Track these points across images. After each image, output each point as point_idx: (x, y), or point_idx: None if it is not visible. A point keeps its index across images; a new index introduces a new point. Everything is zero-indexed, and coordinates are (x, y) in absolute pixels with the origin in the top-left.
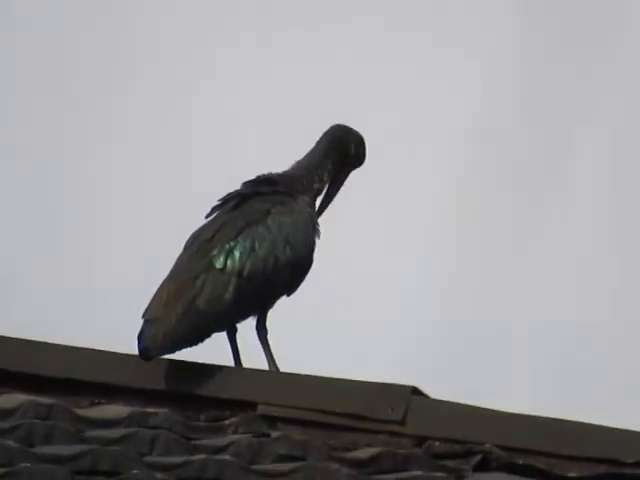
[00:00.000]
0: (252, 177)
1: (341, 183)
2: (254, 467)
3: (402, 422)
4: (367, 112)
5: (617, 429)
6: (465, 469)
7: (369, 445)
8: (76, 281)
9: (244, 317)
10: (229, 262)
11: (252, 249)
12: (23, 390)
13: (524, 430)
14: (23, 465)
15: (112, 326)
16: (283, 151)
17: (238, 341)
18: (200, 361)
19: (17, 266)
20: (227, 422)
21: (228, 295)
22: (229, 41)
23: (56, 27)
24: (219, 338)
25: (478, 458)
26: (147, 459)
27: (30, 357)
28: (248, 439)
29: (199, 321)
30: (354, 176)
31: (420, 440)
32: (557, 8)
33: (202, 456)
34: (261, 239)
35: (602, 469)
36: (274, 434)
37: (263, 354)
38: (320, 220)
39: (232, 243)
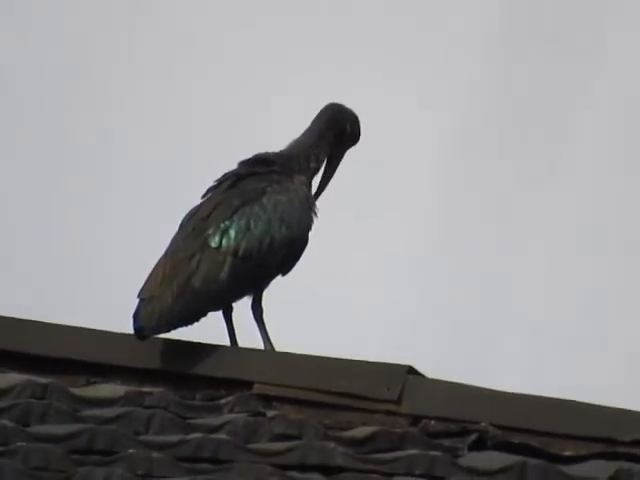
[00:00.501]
0: (248, 156)
1: (338, 162)
2: (250, 446)
3: (398, 401)
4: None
5: (613, 408)
6: (461, 448)
7: (365, 424)
8: (74, 261)
9: (240, 296)
10: (224, 241)
11: (247, 228)
12: (19, 370)
13: (520, 409)
14: (19, 444)
15: (108, 305)
16: (280, 130)
17: (234, 320)
18: (196, 340)
19: (13, 246)
20: (223, 401)
21: (223, 274)
22: (228, 33)
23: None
24: (215, 317)
25: (474, 437)
26: (143, 438)
27: (26, 337)
28: (244, 418)
29: (194, 300)
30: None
31: (416, 419)
32: None
33: (198, 435)
34: (256, 218)
35: (598, 448)
36: (270, 413)
37: (259, 333)
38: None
39: (227, 222)
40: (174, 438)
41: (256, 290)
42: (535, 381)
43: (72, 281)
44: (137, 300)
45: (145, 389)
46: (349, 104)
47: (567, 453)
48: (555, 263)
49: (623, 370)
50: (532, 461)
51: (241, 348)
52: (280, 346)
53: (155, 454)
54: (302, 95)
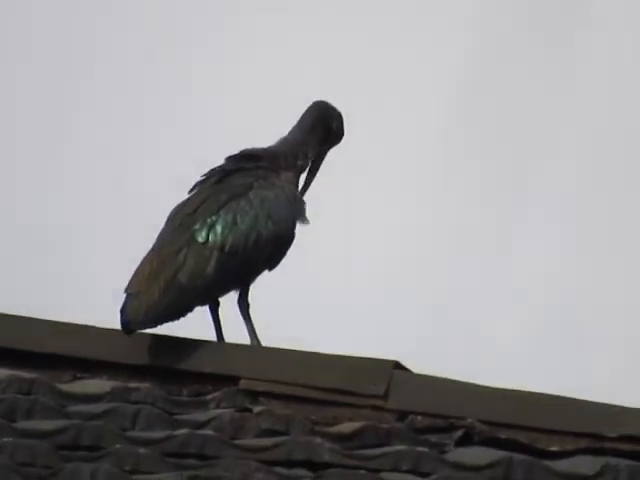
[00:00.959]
0: (235, 152)
1: (322, 160)
2: (236, 442)
3: (384, 397)
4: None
5: (599, 403)
6: (447, 443)
7: (351, 420)
8: (58, 256)
9: (226, 291)
10: (211, 236)
11: (234, 223)
12: (4, 365)
13: (506, 404)
14: (5, 440)
15: (94, 300)
16: (268, 127)
17: (220, 316)
18: (182, 336)
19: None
20: (209, 397)
21: (210, 269)
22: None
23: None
24: (201, 313)
25: (460, 432)
26: (129, 434)
27: (12, 332)
28: (230, 414)
29: (181, 295)
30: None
31: (402, 414)
32: None
33: (184, 431)
34: (243, 213)
35: (584, 443)
36: (256, 409)
37: (245, 328)
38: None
39: (214, 217)
40: (161, 434)
41: (242, 285)
42: (535, 381)
43: (58, 276)
44: (124, 295)
45: (132, 385)
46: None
47: (553, 448)
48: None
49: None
50: (518, 456)
51: (227, 343)
52: (266, 341)
53: (142, 450)
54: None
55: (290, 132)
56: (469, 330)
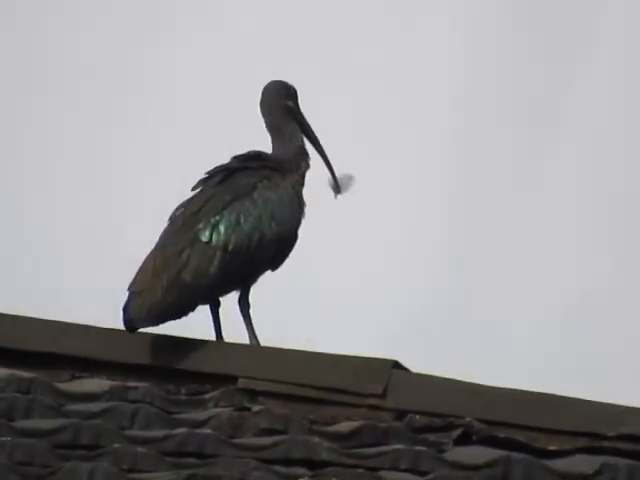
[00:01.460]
0: (242, 152)
1: (309, 127)
2: (235, 441)
3: (383, 396)
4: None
5: (598, 402)
6: (446, 442)
7: (350, 419)
8: (59, 256)
9: (229, 291)
10: (214, 236)
11: (237, 223)
12: (3, 364)
13: (505, 404)
14: (4, 439)
15: (93, 300)
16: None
17: (220, 315)
18: (181, 335)
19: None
20: (208, 396)
21: (213, 269)
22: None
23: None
24: (200, 312)
25: (459, 432)
26: (128, 433)
27: (10, 331)
28: (229, 413)
29: (184, 294)
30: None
31: (401, 414)
32: None
33: (183, 430)
34: (247, 214)
35: (582, 442)
36: (255, 408)
37: (245, 328)
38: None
39: (218, 217)
40: (159, 433)
41: (244, 285)
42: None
43: (57, 276)
44: (127, 293)
45: (130, 384)
46: None
47: (552, 448)
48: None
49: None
50: (517, 456)
51: (226, 343)
52: (265, 341)
53: (140, 449)
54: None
55: (272, 137)
56: (469, 329)
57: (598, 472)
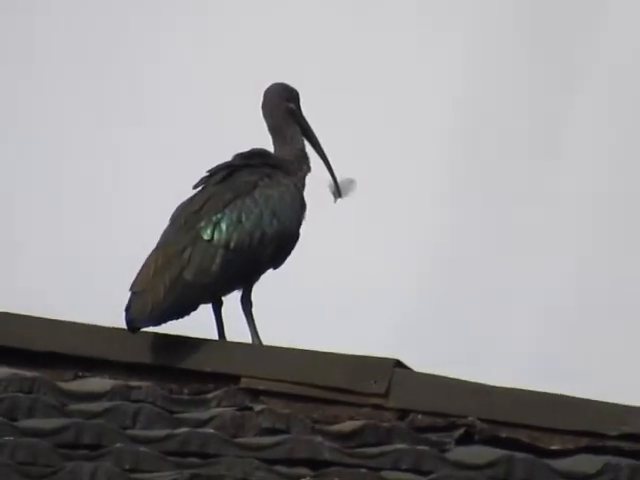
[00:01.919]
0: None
1: (310, 128)
2: (237, 440)
3: (385, 395)
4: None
5: (600, 402)
6: (448, 442)
7: (352, 418)
8: (61, 256)
9: (231, 289)
10: (216, 234)
11: (239, 221)
12: (6, 364)
13: (507, 403)
14: (6, 438)
15: (96, 299)
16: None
17: (223, 315)
18: (183, 334)
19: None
20: (210, 395)
21: (215, 267)
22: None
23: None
24: (202, 312)
25: (461, 431)
26: (130, 432)
27: (13, 330)
28: (231, 412)
29: (186, 293)
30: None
31: (403, 413)
32: None
33: (185, 429)
34: (248, 212)
35: (585, 442)
36: (257, 407)
37: (247, 327)
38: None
39: (219, 215)
40: (161, 432)
41: (246, 284)
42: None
43: (60, 275)
44: (128, 293)
45: (132, 383)
46: None
47: (554, 447)
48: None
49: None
50: (519, 455)
51: (228, 342)
52: (267, 340)
53: (142, 448)
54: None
55: (274, 139)
56: (469, 329)
57: (600, 472)
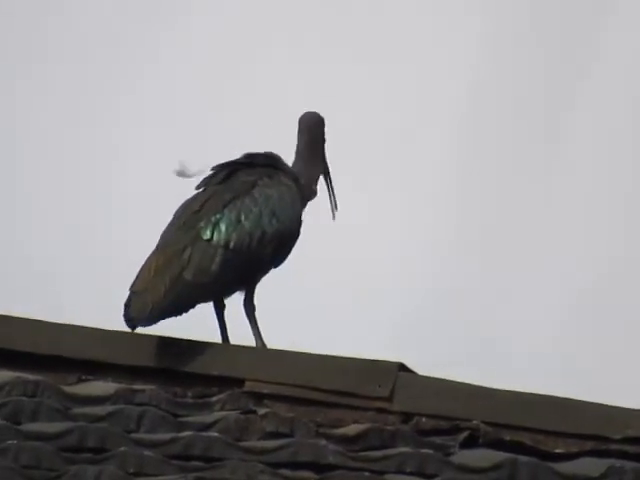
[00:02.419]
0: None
1: (328, 169)
2: (241, 444)
3: (389, 399)
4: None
5: (604, 405)
6: (452, 445)
7: (356, 422)
8: (64, 258)
9: (231, 290)
10: (216, 234)
11: (238, 221)
12: (9, 367)
13: (511, 406)
14: (10, 442)
15: (99, 302)
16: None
17: (226, 318)
18: (187, 337)
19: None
20: (214, 399)
21: (215, 266)
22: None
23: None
24: (206, 314)
25: (465, 434)
26: (134, 436)
27: (16, 334)
28: (235, 416)
29: (186, 293)
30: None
31: (407, 417)
32: None
33: (189, 433)
34: (247, 211)
35: (589, 445)
36: (261, 411)
37: (250, 330)
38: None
39: (218, 215)
40: (165, 436)
41: (248, 285)
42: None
43: (63, 278)
44: (129, 293)
45: (136, 387)
46: None
47: (558, 450)
48: None
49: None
50: (523, 458)
51: (232, 345)
52: (271, 343)
53: (146, 452)
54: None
55: (302, 158)
56: (473, 332)
57: (604, 475)
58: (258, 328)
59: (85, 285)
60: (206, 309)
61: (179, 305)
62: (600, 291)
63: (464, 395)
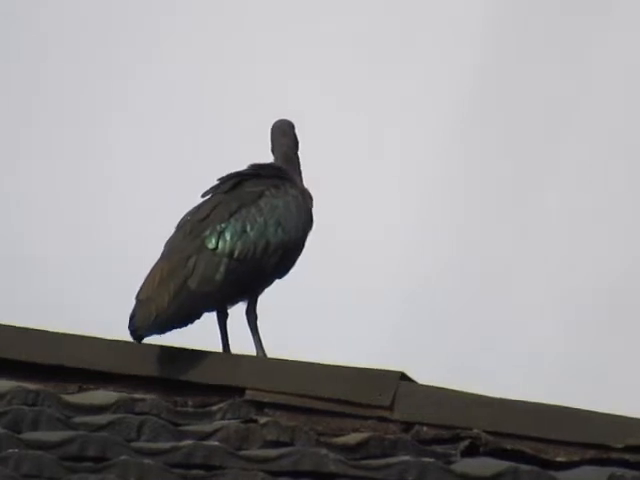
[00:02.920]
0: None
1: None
2: (242, 453)
3: (390, 407)
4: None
5: (605, 414)
6: (453, 454)
7: (357, 430)
8: (69, 268)
9: (235, 299)
10: (220, 243)
11: (243, 231)
12: (10, 376)
13: (512, 415)
14: (11, 451)
15: (101, 312)
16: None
17: (228, 327)
18: (188, 346)
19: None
20: (215, 408)
21: (219, 276)
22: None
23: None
24: (208, 323)
25: (466, 443)
26: (135, 445)
27: (17, 343)
28: (236, 425)
29: (190, 302)
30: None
31: (408, 425)
32: None
33: (190, 442)
34: (252, 221)
35: (590, 454)
36: (262, 420)
37: (252, 339)
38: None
39: (224, 224)
40: (166, 445)
41: (251, 295)
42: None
43: (63, 278)
44: (134, 302)
45: (137, 396)
46: None
47: (560, 459)
48: None
49: None
50: (524, 467)
51: (233, 354)
52: (272, 352)
53: (147, 461)
54: None
55: (286, 162)
56: (474, 340)
57: None
58: (260, 337)
59: (85, 285)
60: (207, 318)
61: (183, 314)
62: (600, 291)
63: (465, 404)
